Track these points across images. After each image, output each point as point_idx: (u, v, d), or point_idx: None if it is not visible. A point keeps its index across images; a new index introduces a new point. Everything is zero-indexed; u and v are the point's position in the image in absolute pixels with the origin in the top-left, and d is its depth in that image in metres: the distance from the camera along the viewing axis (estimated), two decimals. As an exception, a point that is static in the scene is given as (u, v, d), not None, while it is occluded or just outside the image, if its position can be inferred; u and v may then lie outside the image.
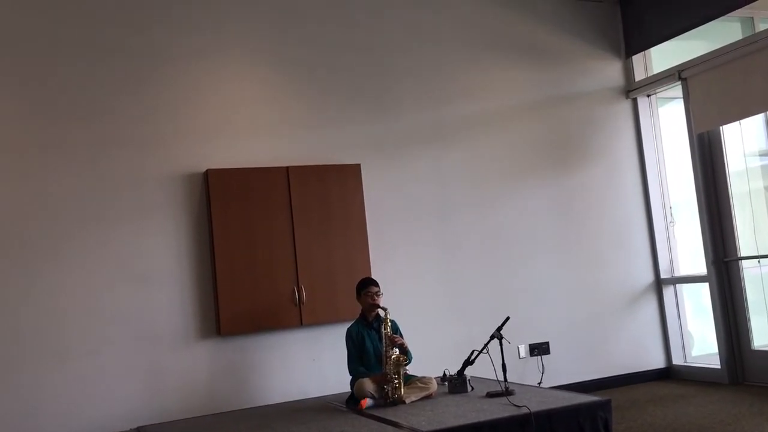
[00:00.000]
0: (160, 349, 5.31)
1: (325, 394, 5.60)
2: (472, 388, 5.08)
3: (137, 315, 5.28)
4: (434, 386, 5.05)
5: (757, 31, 6.62)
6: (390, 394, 4.83)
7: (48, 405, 4.98)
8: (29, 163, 5.14)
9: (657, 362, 6.96)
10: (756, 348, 6.34)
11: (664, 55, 7.09)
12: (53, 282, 5.10)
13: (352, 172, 5.92)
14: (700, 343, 7.15)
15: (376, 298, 5.19)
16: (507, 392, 4.68)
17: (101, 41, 5.42)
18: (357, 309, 5.29)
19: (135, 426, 5.04)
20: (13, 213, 5.07)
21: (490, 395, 4.77)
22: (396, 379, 4.85)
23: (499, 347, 4.99)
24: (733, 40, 6.27)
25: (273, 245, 5.58)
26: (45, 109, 5.23)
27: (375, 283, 5.26)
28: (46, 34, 5.29)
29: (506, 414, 4.19)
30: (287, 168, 5.71)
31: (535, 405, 4.31)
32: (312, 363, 5.72)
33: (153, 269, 5.36)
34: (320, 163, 5.87)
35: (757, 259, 6.42)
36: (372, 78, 6.23)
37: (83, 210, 5.24)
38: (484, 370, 5.11)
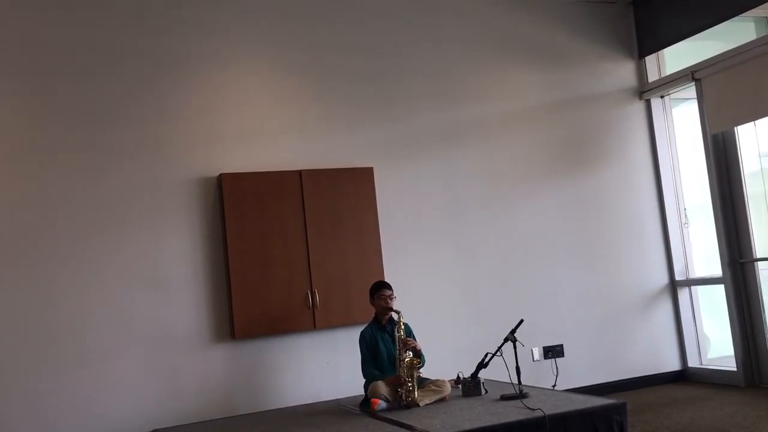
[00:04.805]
0: (175, 353, 5.34)
1: (339, 397, 5.61)
2: (486, 391, 5.07)
3: (152, 319, 5.32)
4: (448, 389, 5.04)
5: (771, 30, 6.60)
6: (404, 397, 4.83)
7: (65, 408, 5.02)
8: (44, 168, 5.19)
9: (672, 365, 6.92)
10: (772, 350, 6.31)
11: (678, 56, 7.06)
12: (70, 287, 5.14)
13: (365, 175, 5.93)
14: (716, 345, 7.10)
15: (389, 301, 5.19)
16: (521, 395, 4.67)
17: (116, 45, 5.46)
18: (370, 312, 5.30)
19: (151, 429, 5.09)
20: (30, 219, 5.11)
21: (504, 398, 4.76)
22: (410, 382, 4.85)
23: (513, 350, 4.98)
24: (747, 40, 6.23)
25: (286, 249, 5.60)
26: (59, 115, 5.27)
27: (388, 286, 5.26)
28: (64, 39, 5.34)
29: (520, 417, 4.17)
30: (300, 171, 5.73)
31: (550, 408, 4.29)
32: (326, 366, 5.74)
33: (168, 273, 5.40)
34: (333, 167, 5.89)
35: (773, 261, 6.38)
36: (384, 81, 6.24)
37: (99, 215, 5.28)
38: (498, 373, 5.10)
